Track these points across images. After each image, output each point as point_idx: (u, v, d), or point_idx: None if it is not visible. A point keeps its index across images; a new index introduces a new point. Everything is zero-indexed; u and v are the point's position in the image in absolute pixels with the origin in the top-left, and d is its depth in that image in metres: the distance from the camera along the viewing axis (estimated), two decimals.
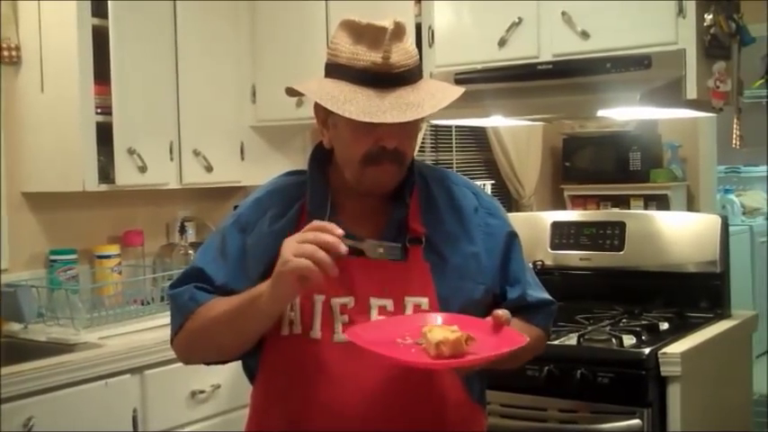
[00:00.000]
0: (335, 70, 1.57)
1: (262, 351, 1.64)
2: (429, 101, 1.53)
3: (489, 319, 1.53)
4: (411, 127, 1.57)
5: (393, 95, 1.52)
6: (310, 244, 1.42)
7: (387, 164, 1.58)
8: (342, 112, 1.51)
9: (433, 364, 1.44)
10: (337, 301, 1.59)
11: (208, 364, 1.80)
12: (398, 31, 1.54)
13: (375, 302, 1.59)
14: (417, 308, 1.60)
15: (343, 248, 1.43)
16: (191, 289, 1.66)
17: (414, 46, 1.59)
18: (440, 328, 1.46)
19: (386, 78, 1.53)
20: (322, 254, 1.41)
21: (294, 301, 1.59)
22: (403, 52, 1.54)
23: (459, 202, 1.70)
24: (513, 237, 1.73)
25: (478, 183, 1.86)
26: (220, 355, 1.71)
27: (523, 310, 1.71)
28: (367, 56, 1.53)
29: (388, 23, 1.53)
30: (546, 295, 1.77)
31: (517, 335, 1.50)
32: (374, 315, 1.59)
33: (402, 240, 1.63)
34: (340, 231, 1.44)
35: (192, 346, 1.69)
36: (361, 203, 1.66)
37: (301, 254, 1.42)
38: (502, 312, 1.52)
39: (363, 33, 1.55)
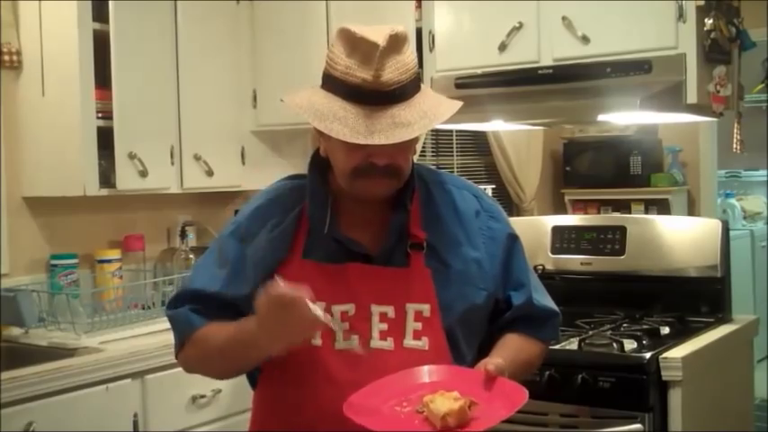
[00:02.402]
0: (330, 82, 1.55)
1: None
2: (420, 121, 1.51)
3: (481, 369, 1.51)
4: (404, 143, 1.53)
5: (384, 114, 1.49)
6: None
7: (378, 177, 1.56)
8: (328, 132, 1.50)
9: None
10: (338, 308, 1.59)
11: None
12: (393, 44, 1.51)
13: (376, 309, 1.59)
14: (419, 314, 1.60)
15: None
16: (186, 312, 1.66)
17: (412, 56, 1.56)
18: (442, 398, 1.43)
19: (377, 97, 1.50)
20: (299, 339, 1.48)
21: None
22: (397, 67, 1.51)
23: (460, 206, 1.70)
24: (514, 239, 1.73)
25: (479, 187, 1.84)
26: (220, 378, 1.83)
27: (530, 321, 1.71)
28: (359, 72, 1.50)
29: (381, 39, 1.49)
30: (551, 303, 1.76)
31: (516, 390, 1.48)
32: (375, 322, 1.59)
33: (403, 246, 1.63)
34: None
35: (192, 368, 1.74)
36: (361, 209, 1.65)
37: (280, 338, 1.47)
38: (494, 367, 1.50)
39: (357, 46, 1.51)
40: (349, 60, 1.52)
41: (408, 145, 1.58)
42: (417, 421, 1.44)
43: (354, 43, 1.52)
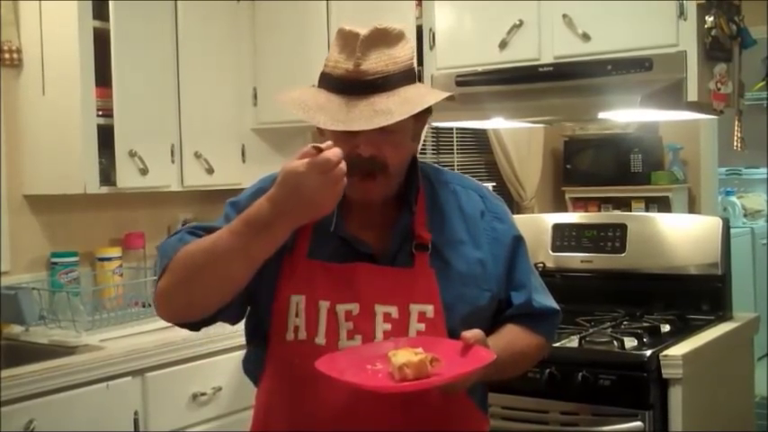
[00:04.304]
0: (321, 78, 1.59)
1: (266, 355, 1.64)
2: (401, 108, 1.50)
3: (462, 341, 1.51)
4: (391, 135, 1.54)
5: (365, 103, 1.51)
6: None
7: (365, 171, 1.55)
8: (311, 121, 1.52)
9: (394, 387, 1.43)
10: (342, 308, 1.59)
11: (184, 326, 1.66)
12: (379, 36, 1.53)
13: (380, 309, 1.59)
14: (422, 315, 1.59)
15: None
16: (181, 233, 1.65)
17: (406, 52, 1.56)
18: (404, 351, 1.45)
19: (356, 86, 1.52)
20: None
21: (299, 308, 1.59)
22: (383, 58, 1.52)
23: (465, 207, 1.69)
24: (519, 241, 1.73)
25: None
26: (198, 299, 1.57)
27: (528, 316, 1.71)
28: (344, 64, 1.53)
29: (365, 30, 1.52)
30: (551, 303, 1.76)
31: (485, 352, 1.48)
32: (379, 322, 1.59)
33: (408, 246, 1.62)
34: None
35: (168, 294, 1.58)
36: (367, 209, 1.64)
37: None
38: (471, 335, 1.50)
39: (347, 40, 1.54)
40: (339, 55, 1.55)
41: (397, 139, 1.57)
42: (381, 375, 1.46)
43: (345, 39, 1.55)
